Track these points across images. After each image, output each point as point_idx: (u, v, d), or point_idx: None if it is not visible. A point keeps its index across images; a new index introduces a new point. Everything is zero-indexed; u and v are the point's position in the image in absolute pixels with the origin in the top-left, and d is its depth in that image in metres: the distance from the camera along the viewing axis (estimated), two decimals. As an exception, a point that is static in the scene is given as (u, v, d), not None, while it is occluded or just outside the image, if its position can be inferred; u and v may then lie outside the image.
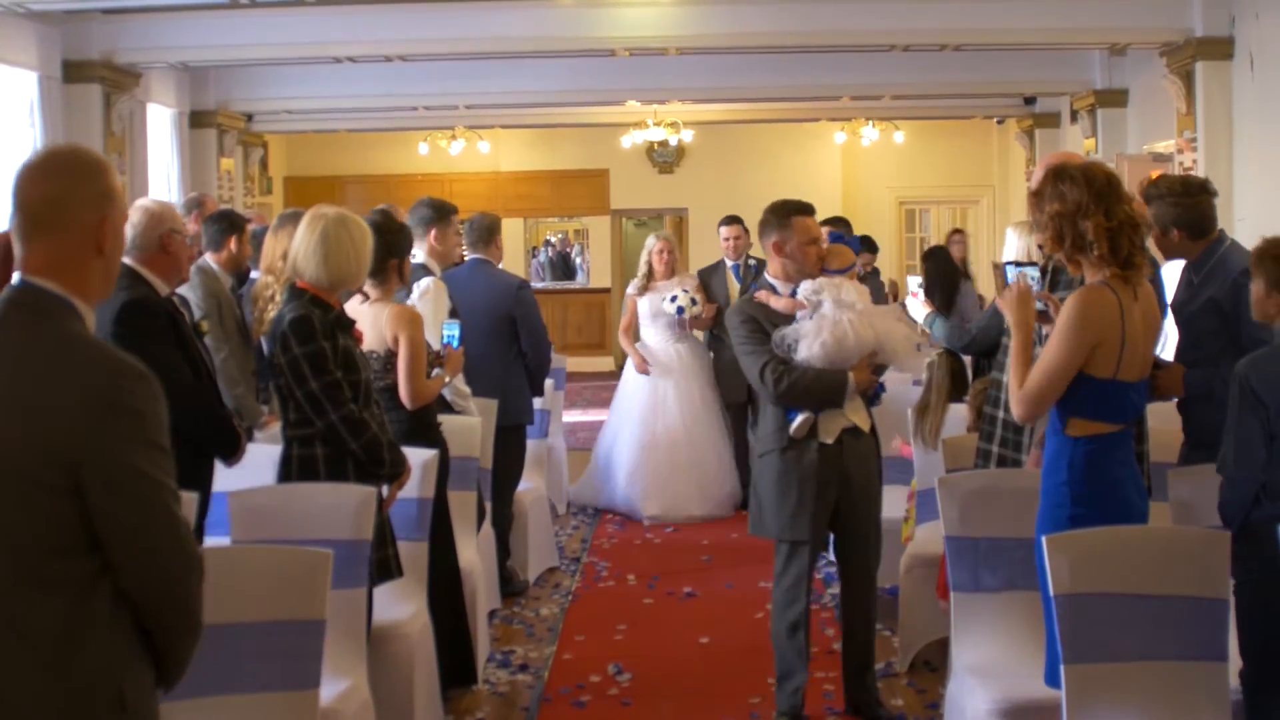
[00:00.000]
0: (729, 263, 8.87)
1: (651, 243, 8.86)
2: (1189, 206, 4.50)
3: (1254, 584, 3.58)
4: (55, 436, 2.10)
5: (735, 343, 4.88)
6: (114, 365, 2.18)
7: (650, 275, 8.80)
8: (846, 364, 4.67)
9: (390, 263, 5.02)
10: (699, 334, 9.02)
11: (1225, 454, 3.71)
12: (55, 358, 2.15)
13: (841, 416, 4.73)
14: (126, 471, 2.13)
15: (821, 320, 4.67)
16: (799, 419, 4.69)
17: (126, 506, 2.13)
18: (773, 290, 4.83)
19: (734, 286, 8.70)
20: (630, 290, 8.99)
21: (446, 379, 5.30)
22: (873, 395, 4.87)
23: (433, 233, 6.21)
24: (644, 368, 8.75)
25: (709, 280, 8.86)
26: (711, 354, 8.84)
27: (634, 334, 8.92)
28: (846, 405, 4.72)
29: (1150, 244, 6.02)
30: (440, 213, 6.30)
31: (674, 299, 8.60)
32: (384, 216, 5.17)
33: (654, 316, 8.77)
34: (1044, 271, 4.34)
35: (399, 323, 4.96)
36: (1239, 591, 3.58)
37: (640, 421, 8.72)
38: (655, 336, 8.82)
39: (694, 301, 8.61)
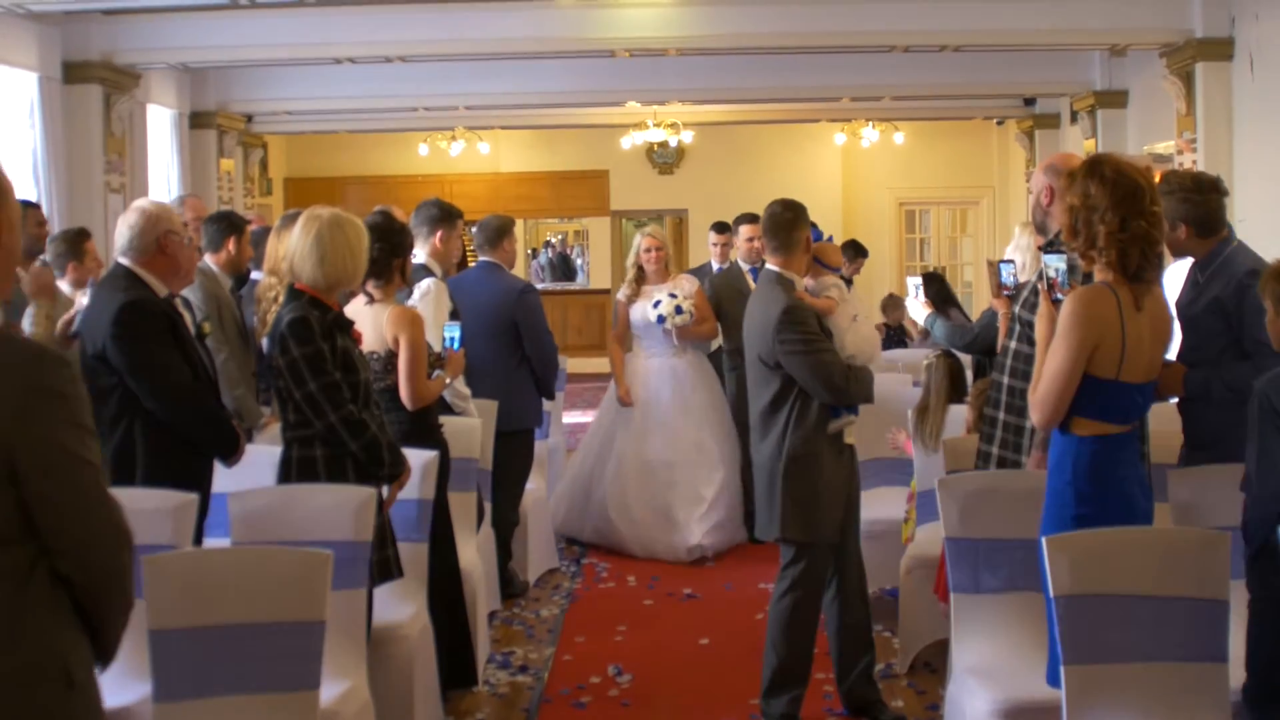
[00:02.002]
0: (744, 266, 7.90)
1: (639, 241, 7.76)
2: (1198, 203, 4.48)
3: (1272, 601, 3.52)
4: None
5: (801, 343, 4.62)
6: (33, 352, 2.21)
7: (640, 278, 7.69)
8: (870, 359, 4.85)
9: (395, 262, 5.03)
10: (706, 343, 7.88)
11: (1249, 473, 3.62)
12: None
13: (854, 422, 4.83)
14: (59, 454, 2.16)
15: (850, 316, 4.80)
16: (845, 418, 4.72)
17: (61, 488, 2.17)
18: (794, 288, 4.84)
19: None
20: (619, 296, 7.86)
21: (447, 380, 5.30)
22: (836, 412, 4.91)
23: (439, 234, 6.19)
24: (628, 399, 7.63)
25: (722, 285, 7.84)
26: (734, 371, 7.59)
27: (627, 343, 7.89)
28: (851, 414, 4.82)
29: None
30: (446, 215, 6.27)
31: (656, 304, 7.51)
32: (385, 217, 5.17)
33: (646, 326, 7.68)
34: (1073, 268, 4.33)
35: (399, 324, 4.95)
36: (1254, 607, 3.55)
37: (629, 447, 7.60)
38: (648, 349, 7.75)
39: (679, 310, 7.47)
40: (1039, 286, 3.88)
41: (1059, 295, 3.79)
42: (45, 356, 2.21)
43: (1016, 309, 4.45)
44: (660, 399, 7.60)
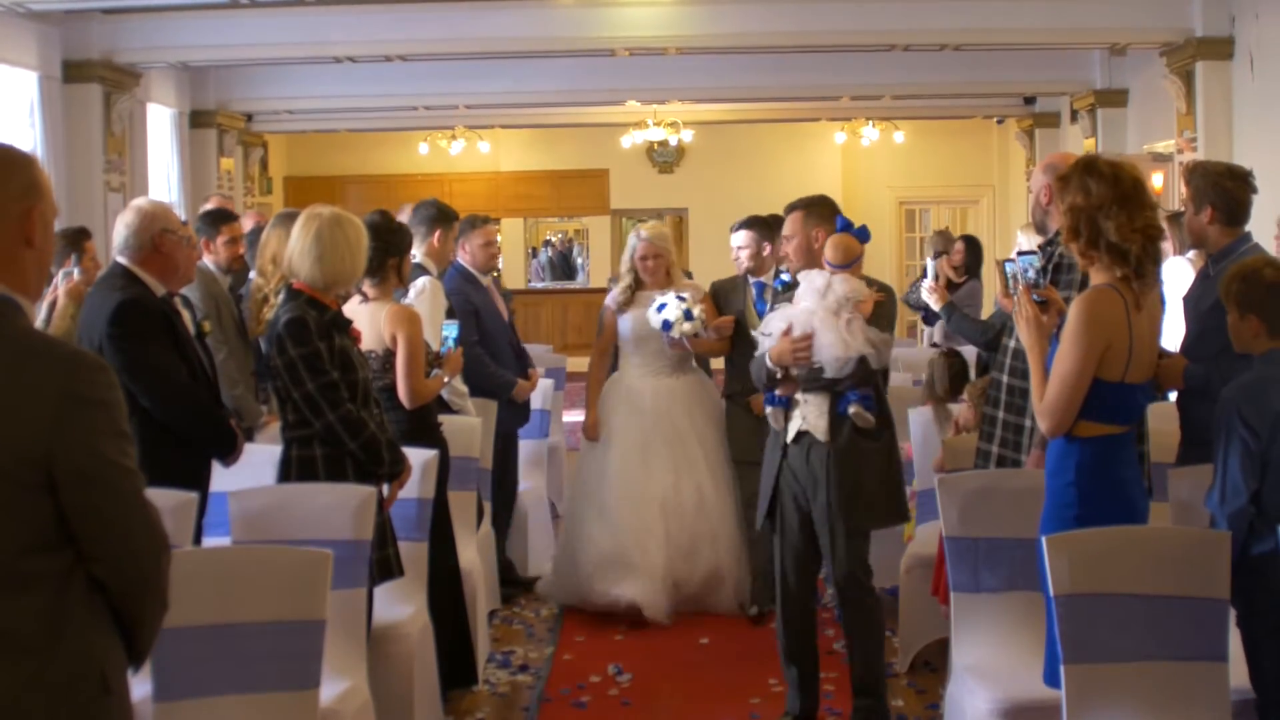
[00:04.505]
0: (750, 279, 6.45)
1: (634, 244, 6.42)
2: (1229, 190, 4.48)
3: (1264, 617, 3.49)
4: (25, 435, 2.12)
5: None
6: (73, 359, 2.20)
7: (636, 285, 6.39)
8: (779, 361, 4.62)
9: (390, 262, 5.02)
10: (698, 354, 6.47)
11: (1215, 487, 3.60)
12: (15, 357, 2.16)
13: (795, 418, 4.64)
14: (99, 462, 2.16)
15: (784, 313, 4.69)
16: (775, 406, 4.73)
17: (102, 497, 2.17)
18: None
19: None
20: (608, 301, 6.53)
21: (445, 379, 5.30)
22: (840, 405, 4.60)
23: (436, 234, 6.17)
24: (593, 433, 6.38)
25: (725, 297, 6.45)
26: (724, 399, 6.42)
27: (614, 359, 6.66)
28: (798, 410, 4.63)
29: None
30: (444, 215, 6.26)
31: (661, 308, 6.18)
32: (382, 216, 5.17)
33: (637, 341, 6.35)
34: (1045, 269, 4.33)
35: (397, 322, 4.95)
36: (1245, 626, 3.53)
37: (614, 490, 6.26)
38: (641, 367, 6.40)
39: (689, 316, 6.13)
40: (1018, 291, 3.79)
41: (1037, 296, 3.76)
42: (83, 362, 2.20)
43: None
44: (653, 429, 6.29)
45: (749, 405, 6.09)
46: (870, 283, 4.71)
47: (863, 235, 4.77)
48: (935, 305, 5.49)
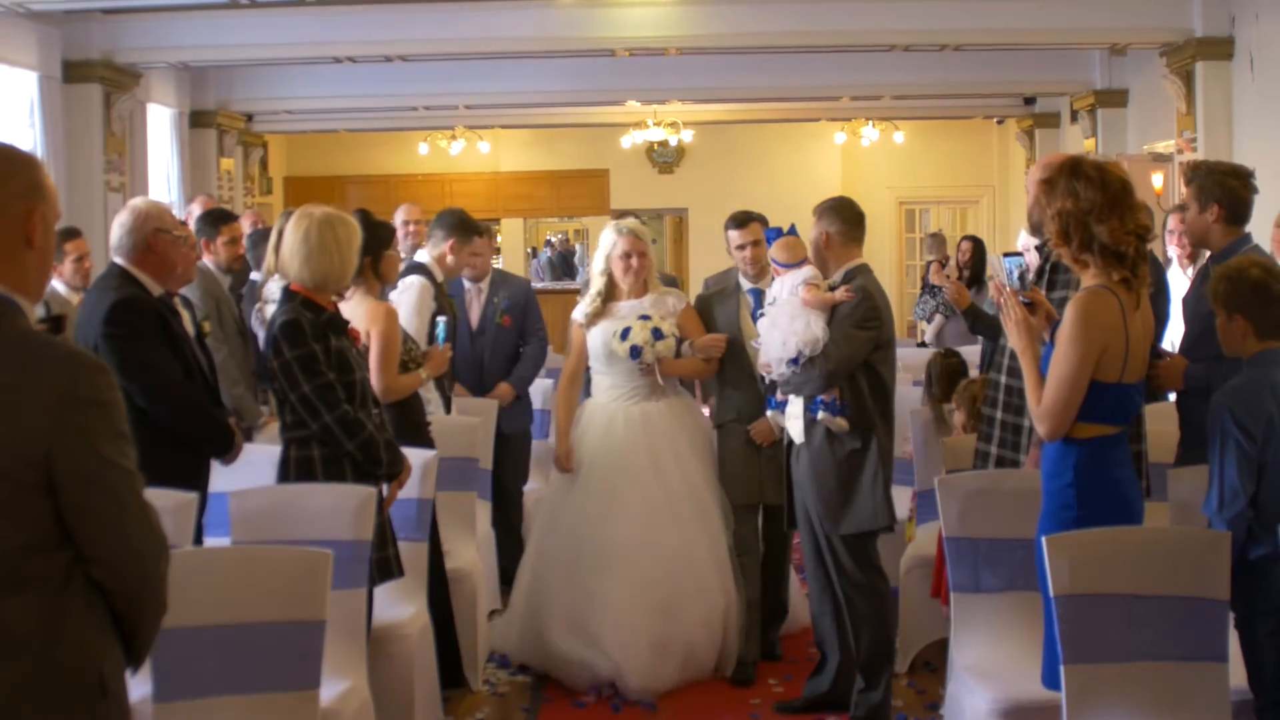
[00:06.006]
0: (745, 284, 5.56)
1: (611, 241, 5.43)
2: (1234, 188, 4.49)
3: (1263, 619, 3.49)
4: (24, 435, 2.11)
5: None
6: (72, 359, 2.19)
7: (609, 293, 5.48)
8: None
9: (364, 261, 4.94)
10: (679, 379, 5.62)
11: (1212, 493, 3.61)
12: (15, 358, 2.16)
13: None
14: (98, 463, 2.15)
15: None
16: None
17: (101, 498, 2.16)
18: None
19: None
20: (576, 315, 5.51)
21: (424, 376, 5.24)
22: (810, 410, 4.76)
23: (451, 242, 6.07)
24: (566, 463, 5.45)
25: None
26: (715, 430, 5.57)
27: (584, 384, 5.73)
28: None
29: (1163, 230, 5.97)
30: (464, 227, 6.13)
31: (625, 332, 5.33)
32: (359, 215, 5.12)
33: (609, 358, 5.40)
34: (1041, 271, 4.33)
35: (373, 318, 4.93)
36: (1244, 628, 3.53)
37: (581, 532, 5.34)
38: (614, 390, 5.46)
39: (658, 334, 5.31)
40: (1004, 293, 3.74)
41: (1024, 299, 3.75)
42: (83, 363, 2.19)
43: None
44: (628, 464, 5.34)
45: (745, 435, 5.39)
46: (850, 277, 4.78)
47: (794, 234, 5.01)
48: (959, 308, 5.45)
